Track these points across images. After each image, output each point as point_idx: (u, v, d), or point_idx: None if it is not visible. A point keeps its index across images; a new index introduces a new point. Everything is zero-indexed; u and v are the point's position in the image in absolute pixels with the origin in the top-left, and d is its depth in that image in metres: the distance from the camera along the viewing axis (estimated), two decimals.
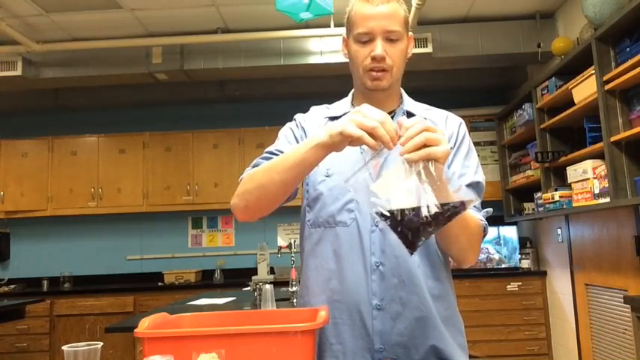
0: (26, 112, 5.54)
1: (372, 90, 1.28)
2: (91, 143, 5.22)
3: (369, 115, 1.00)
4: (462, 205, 0.96)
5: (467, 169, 1.28)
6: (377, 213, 0.98)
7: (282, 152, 1.25)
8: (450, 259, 1.30)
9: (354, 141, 1.01)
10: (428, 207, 0.93)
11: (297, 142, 1.32)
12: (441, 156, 0.97)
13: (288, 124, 1.40)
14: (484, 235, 1.25)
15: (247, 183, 1.22)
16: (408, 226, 0.96)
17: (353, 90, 1.39)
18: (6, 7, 3.74)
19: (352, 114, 1.02)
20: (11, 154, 5.17)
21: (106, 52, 4.37)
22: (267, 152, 1.31)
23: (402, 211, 0.95)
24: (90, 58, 4.38)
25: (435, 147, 0.96)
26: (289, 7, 2.62)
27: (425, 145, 0.96)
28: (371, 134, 0.98)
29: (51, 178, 5.13)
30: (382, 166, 1.21)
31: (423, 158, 0.96)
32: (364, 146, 1.01)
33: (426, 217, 0.93)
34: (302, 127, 1.36)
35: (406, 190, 0.95)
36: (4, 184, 5.11)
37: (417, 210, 0.94)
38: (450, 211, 0.95)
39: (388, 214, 0.96)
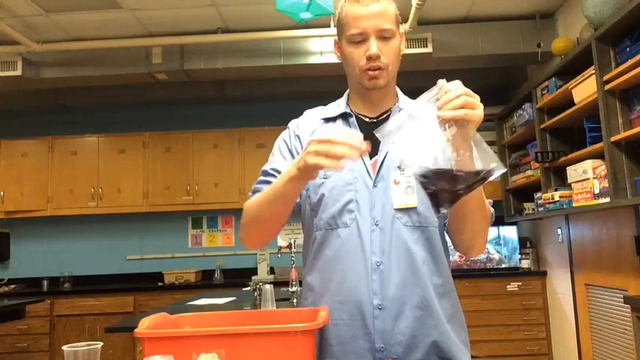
0: (26, 112, 5.53)
1: (369, 89, 1.29)
2: (91, 143, 5.22)
3: (321, 140, 1.03)
4: (487, 173, 0.98)
5: None
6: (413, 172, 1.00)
7: (277, 171, 1.30)
8: (456, 251, 1.32)
9: (323, 168, 1.04)
10: (454, 171, 0.96)
11: (292, 154, 1.33)
12: (476, 120, 0.99)
13: (283, 135, 1.40)
14: (491, 222, 1.27)
15: (245, 216, 1.28)
16: (437, 185, 0.99)
17: (348, 90, 1.40)
18: (6, 7, 3.74)
19: (307, 144, 1.06)
20: (11, 154, 5.17)
21: (106, 52, 4.37)
22: (263, 174, 1.35)
23: (430, 170, 0.97)
24: (90, 58, 4.38)
25: (472, 110, 0.99)
26: (289, 7, 2.62)
27: (462, 108, 0.98)
28: (331, 157, 1.01)
29: (51, 178, 5.13)
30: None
31: (458, 118, 0.98)
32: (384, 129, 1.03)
33: (452, 178, 0.96)
34: (296, 136, 1.36)
35: (434, 151, 0.98)
36: (4, 184, 5.10)
37: (443, 171, 0.97)
38: (474, 179, 0.97)
39: (419, 171, 0.98)
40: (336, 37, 1.33)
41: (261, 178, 1.34)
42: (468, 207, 1.18)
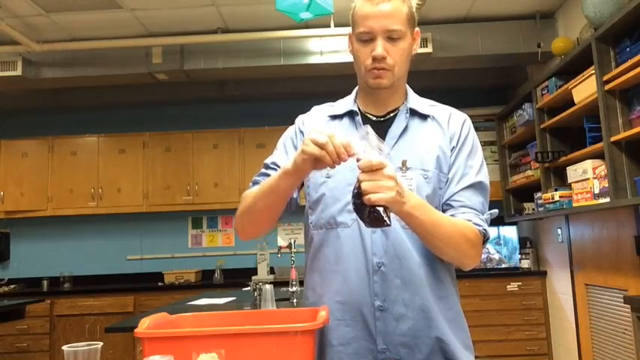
0: (26, 112, 5.53)
1: (373, 88, 1.28)
2: (91, 143, 5.21)
3: (321, 132, 1.06)
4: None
5: (470, 169, 1.28)
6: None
7: (277, 165, 1.32)
8: None
9: (316, 160, 1.07)
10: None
11: (295, 150, 1.33)
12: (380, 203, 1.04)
13: (289, 130, 1.41)
14: (485, 240, 1.23)
15: (241, 206, 1.30)
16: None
17: (357, 87, 1.39)
18: (6, 7, 3.74)
19: (307, 135, 1.09)
20: (11, 154, 5.17)
21: (106, 52, 4.37)
22: (264, 167, 1.36)
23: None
24: (90, 58, 4.38)
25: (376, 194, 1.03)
26: (289, 7, 2.62)
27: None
28: (325, 150, 1.04)
29: (51, 178, 5.13)
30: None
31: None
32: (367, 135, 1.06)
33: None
34: (301, 132, 1.37)
35: None
36: (4, 184, 5.10)
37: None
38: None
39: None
40: (351, 32, 1.32)
41: (262, 170, 1.36)
42: (432, 245, 1.18)
